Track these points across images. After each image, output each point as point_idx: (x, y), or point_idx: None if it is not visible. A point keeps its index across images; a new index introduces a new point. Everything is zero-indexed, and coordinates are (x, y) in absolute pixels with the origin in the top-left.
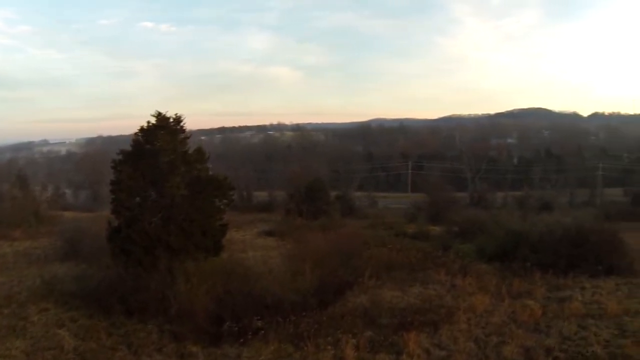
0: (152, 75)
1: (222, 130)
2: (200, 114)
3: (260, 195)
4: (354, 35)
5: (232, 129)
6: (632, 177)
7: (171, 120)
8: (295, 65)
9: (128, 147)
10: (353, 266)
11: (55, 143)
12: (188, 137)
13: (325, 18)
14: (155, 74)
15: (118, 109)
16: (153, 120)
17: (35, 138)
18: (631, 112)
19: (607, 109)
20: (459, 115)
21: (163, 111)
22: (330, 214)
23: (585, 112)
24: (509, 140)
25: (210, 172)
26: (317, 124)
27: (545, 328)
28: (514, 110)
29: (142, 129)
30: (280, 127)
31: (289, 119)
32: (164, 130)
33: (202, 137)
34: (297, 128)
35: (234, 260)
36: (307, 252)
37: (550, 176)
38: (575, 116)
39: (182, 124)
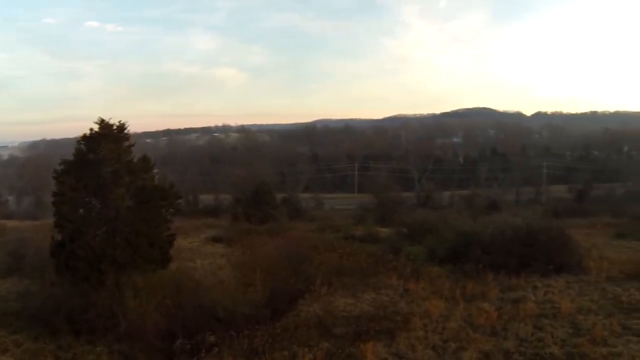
0: (97, 76)
1: (167, 132)
2: (146, 116)
3: (207, 199)
4: (300, 36)
5: (178, 131)
6: (575, 174)
7: (115, 127)
8: (241, 66)
9: (72, 152)
10: (304, 273)
11: None
12: (132, 145)
13: (271, 19)
14: (101, 75)
15: (63, 111)
16: (97, 126)
17: None
18: (573, 111)
19: (549, 108)
20: (405, 115)
21: (109, 113)
22: (277, 217)
23: (528, 112)
24: (455, 140)
25: (157, 177)
26: (262, 125)
27: (502, 331)
28: (459, 110)
29: (84, 137)
30: (225, 129)
31: (234, 120)
32: (108, 139)
33: (148, 140)
34: (242, 129)
35: (183, 271)
36: (257, 260)
37: (497, 175)
38: (519, 115)
39: (125, 131)
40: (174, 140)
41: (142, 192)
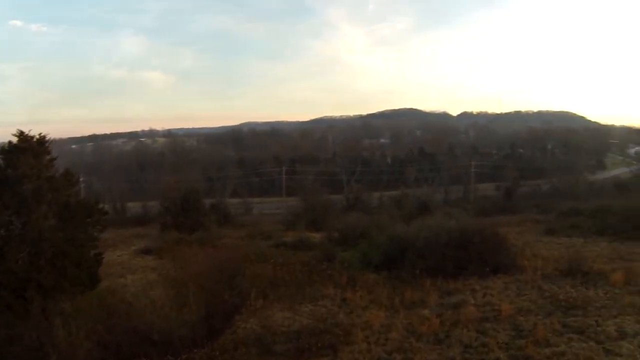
0: (20, 79)
1: (93, 137)
2: (71, 121)
3: (135, 207)
4: (229, 38)
5: (104, 137)
6: (502, 172)
7: (35, 140)
8: (169, 69)
9: None
10: (237, 286)
11: None
12: (54, 159)
13: (202, 21)
14: (25, 77)
15: None
16: (15, 138)
17: None
18: (497, 111)
19: (475, 108)
20: (331, 116)
21: (33, 118)
22: (207, 225)
23: (454, 112)
24: (382, 141)
25: (83, 186)
26: (189, 128)
27: (445, 338)
28: (386, 111)
29: (2, 151)
30: (152, 134)
31: (161, 125)
32: (27, 153)
33: (73, 146)
34: (169, 134)
35: (114, 290)
36: (189, 274)
37: (425, 175)
38: (445, 116)
39: (47, 144)
40: (100, 146)
41: (66, 210)
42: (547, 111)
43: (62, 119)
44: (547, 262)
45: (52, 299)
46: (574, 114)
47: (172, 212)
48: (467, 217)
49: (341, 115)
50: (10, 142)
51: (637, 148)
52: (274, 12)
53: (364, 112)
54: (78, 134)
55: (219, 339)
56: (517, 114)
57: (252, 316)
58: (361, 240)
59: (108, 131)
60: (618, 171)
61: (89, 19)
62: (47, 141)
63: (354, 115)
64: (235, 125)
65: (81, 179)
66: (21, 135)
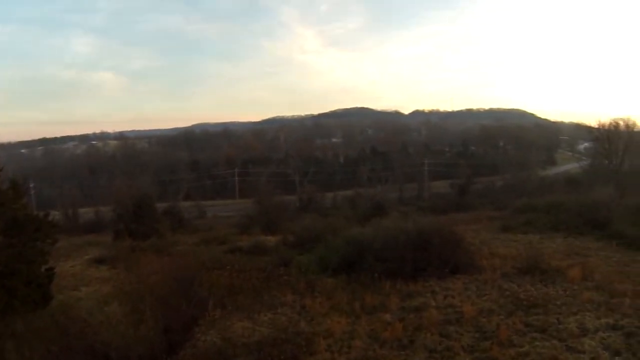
0: None
1: (44, 141)
2: (21, 124)
3: (87, 212)
4: (181, 38)
5: (55, 140)
6: (455, 170)
7: None
8: (121, 70)
9: None
10: (195, 296)
11: None
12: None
13: (154, 21)
14: None
15: None
16: None
17: None
18: (449, 109)
19: (426, 106)
20: (283, 116)
21: None
22: (161, 232)
23: (406, 110)
24: (334, 140)
25: (33, 192)
26: (140, 130)
27: (409, 344)
28: (338, 110)
29: None
30: (103, 136)
31: (112, 127)
32: None
33: (23, 150)
34: (120, 136)
35: (67, 306)
36: (144, 285)
37: (378, 174)
38: (397, 114)
39: None
40: (50, 150)
41: (14, 225)
42: (498, 109)
43: (11, 121)
44: (505, 261)
45: (2, 320)
46: (525, 111)
47: (124, 218)
48: (423, 217)
49: (293, 115)
50: None
51: (586, 144)
52: (227, 12)
53: (316, 112)
54: (28, 137)
55: (179, 354)
56: (469, 111)
57: (212, 327)
58: (317, 244)
59: (59, 134)
60: (568, 166)
61: (38, 18)
62: None
63: (306, 115)
64: (187, 127)
65: (31, 185)
66: None
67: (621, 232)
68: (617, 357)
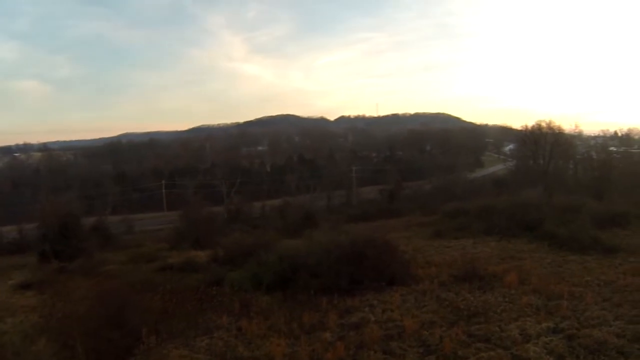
0: None
1: None
2: None
3: (11, 231)
4: (108, 46)
5: None
6: (383, 175)
7: None
8: (45, 78)
9: None
10: (127, 323)
11: None
12: None
13: (79, 27)
14: None
15: None
16: None
17: None
18: (375, 114)
19: (352, 112)
20: (209, 125)
21: None
22: (88, 252)
23: (332, 116)
24: (260, 148)
25: None
26: (65, 141)
27: None
28: (263, 118)
29: None
30: (26, 148)
31: (36, 138)
32: None
33: None
34: (45, 148)
35: None
36: (74, 317)
37: (306, 182)
38: (323, 120)
39: None
40: None
41: None
42: (424, 113)
43: None
44: (441, 269)
45: None
46: (450, 115)
47: (50, 238)
48: (355, 226)
49: (219, 124)
50: None
51: (511, 146)
52: (154, 19)
53: (242, 120)
54: None
55: None
56: (395, 116)
57: (147, 358)
58: (249, 258)
59: None
60: (495, 168)
61: None
62: None
63: (232, 123)
64: (113, 137)
65: None
66: None
67: (552, 232)
68: None
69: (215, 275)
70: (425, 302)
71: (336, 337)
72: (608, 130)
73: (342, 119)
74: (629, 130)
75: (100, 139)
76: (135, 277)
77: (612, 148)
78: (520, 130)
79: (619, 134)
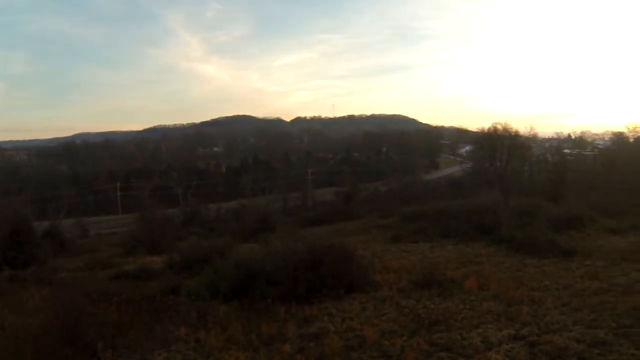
0: None
1: None
2: None
3: None
4: (64, 42)
5: None
6: (339, 177)
7: None
8: None
9: None
10: (81, 338)
11: None
12: None
13: (36, 22)
14: None
15: None
16: None
17: None
18: (331, 115)
19: (308, 113)
20: (165, 125)
21: None
22: (42, 258)
23: (288, 117)
24: (216, 149)
25: None
26: (18, 141)
27: None
28: (219, 118)
29: None
30: None
31: None
32: None
33: None
34: None
35: None
36: (26, 332)
37: (261, 184)
38: (279, 121)
39: None
40: None
41: None
42: (380, 115)
43: None
44: (400, 274)
45: None
46: (406, 117)
47: (0, 245)
48: (311, 229)
49: (175, 124)
50: None
51: (467, 147)
52: (112, 16)
53: (198, 120)
54: None
55: None
56: (351, 118)
57: None
58: (205, 264)
59: None
60: (450, 170)
61: None
62: None
63: (188, 124)
64: (68, 137)
65: None
66: None
67: (509, 235)
68: None
69: (171, 282)
70: (385, 310)
71: (296, 349)
72: (562, 132)
73: (298, 120)
74: (582, 132)
75: (54, 138)
76: (90, 286)
77: (566, 150)
78: (477, 133)
79: (573, 137)
